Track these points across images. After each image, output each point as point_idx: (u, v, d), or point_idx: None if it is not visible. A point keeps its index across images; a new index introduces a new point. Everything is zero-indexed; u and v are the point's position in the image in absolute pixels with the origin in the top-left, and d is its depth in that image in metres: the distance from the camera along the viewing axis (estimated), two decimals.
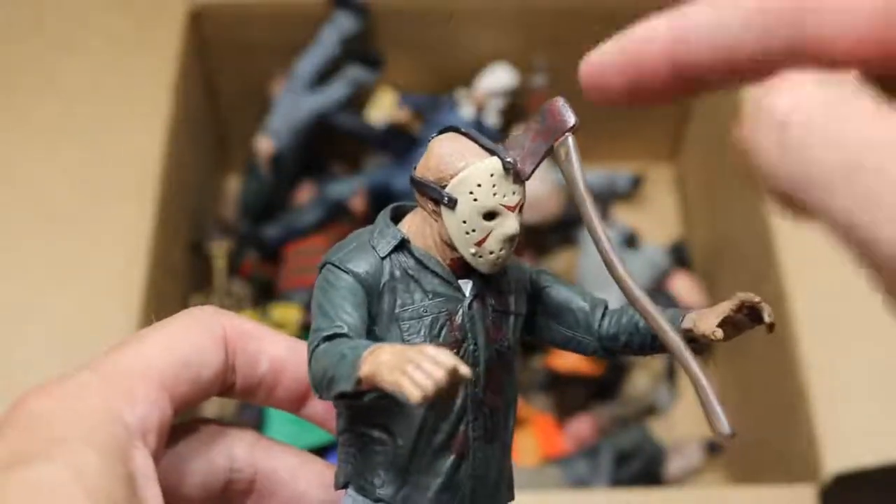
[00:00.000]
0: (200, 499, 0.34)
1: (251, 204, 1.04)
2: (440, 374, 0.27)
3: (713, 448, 0.95)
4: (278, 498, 0.35)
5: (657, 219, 1.09)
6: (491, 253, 0.33)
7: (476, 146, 0.33)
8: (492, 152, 0.33)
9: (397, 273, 0.33)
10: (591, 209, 0.31)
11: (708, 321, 0.32)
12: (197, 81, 1.00)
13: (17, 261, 0.82)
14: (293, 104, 1.01)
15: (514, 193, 0.33)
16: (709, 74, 0.29)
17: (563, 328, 0.35)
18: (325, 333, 0.31)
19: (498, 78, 1.02)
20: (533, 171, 0.33)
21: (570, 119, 0.32)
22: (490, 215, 0.32)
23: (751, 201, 0.85)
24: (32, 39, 0.96)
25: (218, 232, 1.02)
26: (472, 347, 0.33)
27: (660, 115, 1.09)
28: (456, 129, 0.33)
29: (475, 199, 0.32)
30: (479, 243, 0.33)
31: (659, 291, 0.99)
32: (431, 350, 0.28)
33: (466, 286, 0.33)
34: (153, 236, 0.83)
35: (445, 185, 0.32)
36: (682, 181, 1.11)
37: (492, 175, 0.32)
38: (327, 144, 1.06)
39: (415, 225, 0.34)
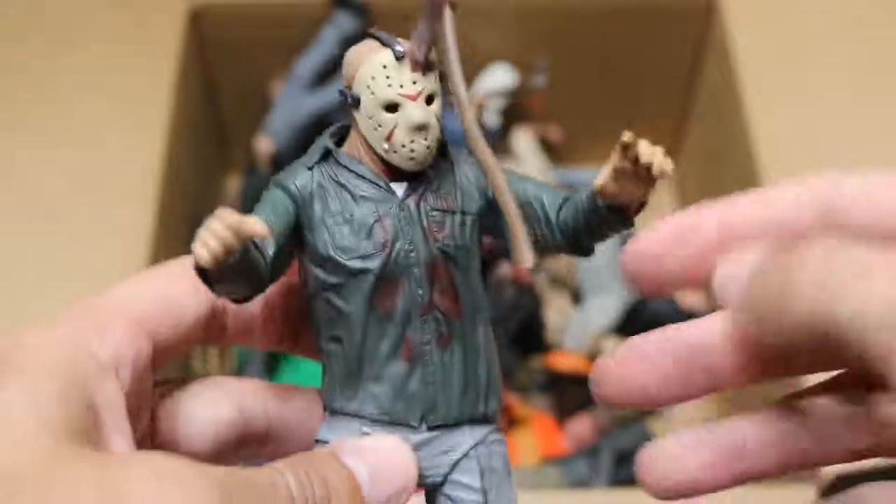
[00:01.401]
0: (214, 451, 0.34)
1: (251, 204, 1.04)
2: (219, 227, 0.28)
3: None
4: (293, 441, 0.35)
5: (657, 218, 1.09)
6: (403, 146, 0.32)
7: (375, 43, 0.33)
8: (386, 45, 0.32)
9: (325, 182, 0.33)
10: (459, 79, 0.30)
11: (600, 176, 0.32)
12: (197, 81, 1.00)
13: (17, 260, 0.82)
14: (293, 104, 1.01)
15: (413, 82, 0.32)
16: None
17: (526, 225, 0.34)
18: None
19: (498, 78, 1.02)
20: (426, 55, 0.32)
21: None
22: (391, 107, 0.32)
23: None
24: (32, 39, 0.96)
25: None
26: (406, 247, 0.32)
27: (660, 115, 1.09)
28: (367, 34, 0.33)
29: (372, 93, 0.32)
30: (387, 138, 0.32)
31: None
32: (220, 210, 0.28)
33: (400, 188, 0.33)
34: (153, 236, 0.83)
35: (350, 87, 0.33)
36: (681, 181, 1.11)
37: (384, 66, 0.32)
38: None
39: (350, 137, 0.34)
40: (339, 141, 0.34)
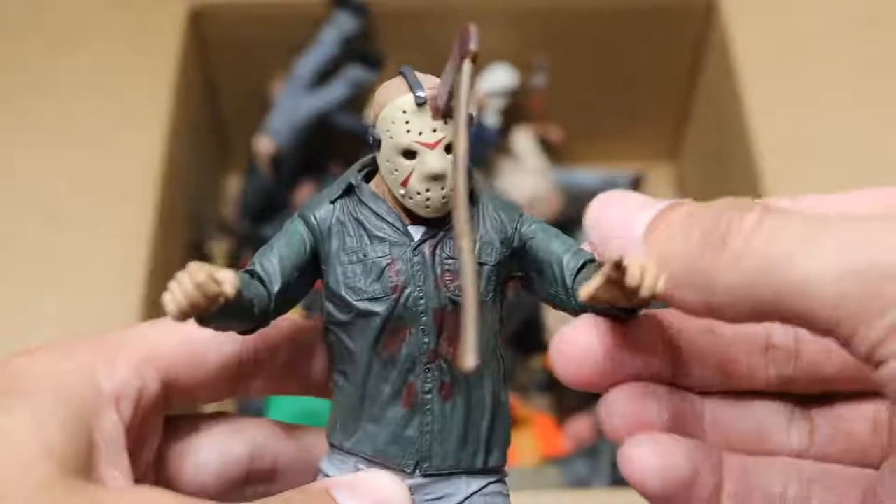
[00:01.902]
0: (220, 487, 0.34)
1: (251, 204, 1.04)
2: (187, 283, 0.27)
3: None
4: (301, 480, 0.35)
5: None
6: (418, 194, 0.32)
7: (403, 84, 0.32)
8: (411, 89, 0.31)
9: (344, 217, 0.32)
10: (463, 135, 0.29)
11: (589, 284, 0.30)
12: (197, 81, 1.00)
13: (17, 260, 0.82)
14: (293, 104, 1.01)
15: (433, 130, 0.31)
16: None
17: (545, 285, 0.33)
18: (245, 268, 0.32)
19: (498, 78, 1.02)
20: (448, 103, 0.31)
21: (469, 44, 0.29)
22: (408, 153, 0.32)
23: None
24: (32, 39, 0.96)
25: (218, 232, 1.02)
26: (416, 294, 0.32)
27: (660, 115, 1.09)
28: (401, 72, 0.33)
29: (391, 137, 0.32)
30: (403, 183, 0.32)
31: None
32: (192, 265, 0.28)
33: (418, 231, 0.32)
34: (153, 236, 0.83)
35: (375, 125, 0.32)
36: (682, 181, 1.11)
37: (404, 112, 0.31)
38: (327, 144, 1.06)
39: (378, 173, 0.33)
40: (370, 174, 0.34)
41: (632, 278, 0.28)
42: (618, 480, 0.92)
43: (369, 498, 0.31)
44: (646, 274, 0.28)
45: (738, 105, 0.89)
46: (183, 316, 0.28)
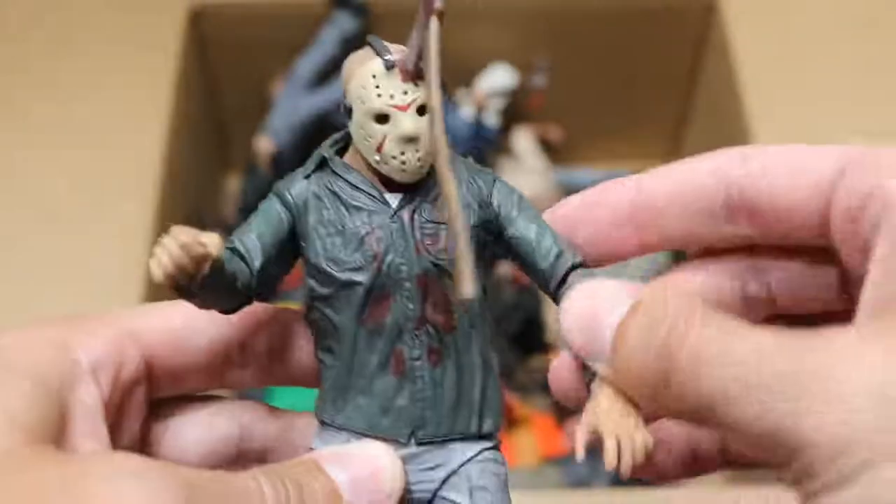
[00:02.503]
0: (208, 466, 0.34)
1: (251, 204, 1.04)
2: (172, 245, 0.28)
3: None
4: (292, 458, 0.35)
5: None
6: (393, 158, 0.31)
7: (370, 51, 0.32)
8: (378, 54, 0.31)
9: (320, 191, 0.32)
10: (435, 89, 0.29)
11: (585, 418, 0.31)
12: (197, 81, 1.00)
13: (17, 260, 0.82)
14: (293, 104, 1.01)
15: (404, 93, 0.31)
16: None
17: (527, 269, 0.34)
18: (225, 245, 0.31)
19: (498, 78, 1.02)
20: (417, 64, 0.31)
21: (435, 2, 0.29)
22: (381, 118, 0.31)
23: None
24: (32, 39, 0.96)
25: (218, 232, 1.02)
26: (397, 261, 0.31)
27: (660, 115, 1.09)
28: (366, 42, 0.32)
29: (362, 103, 0.31)
30: (378, 149, 0.31)
31: None
32: (175, 228, 0.28)
33: (395, 199, 0.32)
34: (153, 236, 0.83)
35: (345, 97, 0.32)
36: None
37: (374, 76, 0.31)
38: None
39: (351, 146, 0.33)
40: (343, 149, 0.34)
41: (608, 459, 0.29)
42: (618, 480, 0.92)
43: (360, 469, 0.30)
44: (623, 453, 0.30)
45: (738, 105, 0.89)
46: (169, 279, 0.28)
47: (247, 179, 1.05)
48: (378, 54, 0.31)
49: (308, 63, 1.01)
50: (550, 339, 0.98)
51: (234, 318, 0.33)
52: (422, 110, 0.31)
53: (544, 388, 0.98)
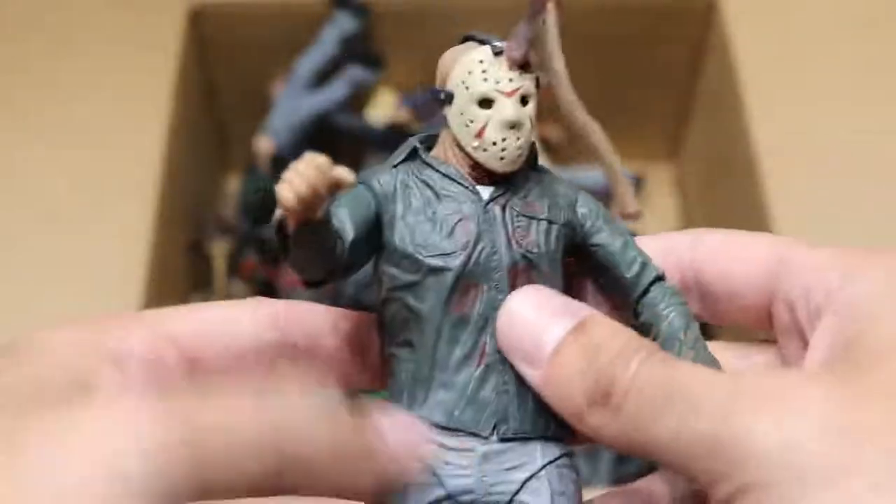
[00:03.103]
0: None
1: (251, 204, 1.03)
2: (307, 168, 0.28)
3: None
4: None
5: (657, 219, 1.09)
6: (494, 144, 0.31)
7: (473, 42, 0.32)
8: (484, 42, 0.32)
9: (409, 180, 0.32)
10: (565, 78, 0.30)
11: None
12: (197, 81, 1.00)
13: (17, 260, 0.82)
14: (293, 104, 1.01)
15: (510, 80, 0.32)
16: None
17: (608, 278, 0.34)
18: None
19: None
20: (526, 53, 0.32)
21: None
22: (485, 102, 0.32)
23: (751, 202, 0.85)
24: (32, 39, 0.96)
25: (218, 232, 1.02)
26: (488, 250, 0.31)
27: (660, 115, 1.09)
28: (465, 38, 0.33)
29: (467, 88, 0.32)
30: (478, 134, 0.32)
31: None
32: (308, 154, 0.28)
33: (486, 191, 0.32)
34: (153, 236, 0.83)
35: (445, 85, 0.32)
36: (682, 181, 1.11)
37: (481, 61, 0.32)
38: (327, 144, 1.06)
39: (438, 142, 0.33)
40: (427, 148, 0.34)
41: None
42: (618, 480, 0.92)
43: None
44: None
45: (738, 105, 0.89)
46: (300, 203, 0.28)
47: (247, 179, 1.04)
48: (485, 42, 0.32)
49: (308, 63, 1.01)
50: None
51: (278, 318, 0.33)
52: (525, 100, 0.32)
53: None
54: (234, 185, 1.10)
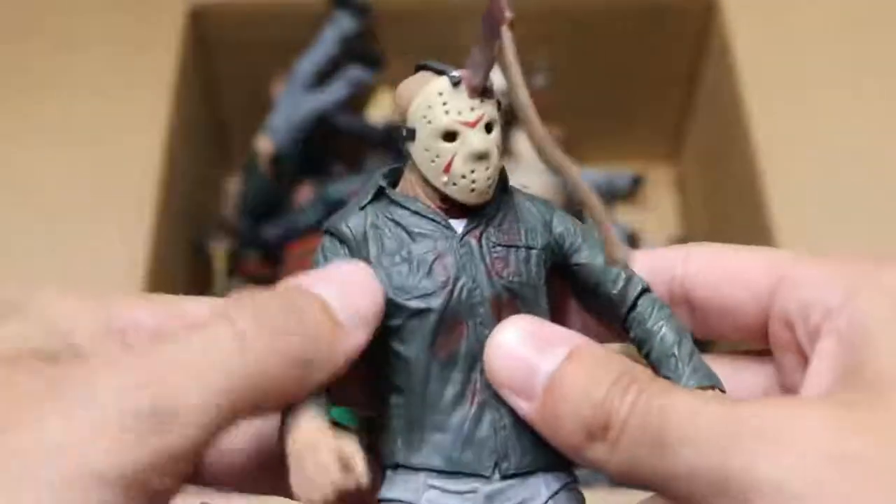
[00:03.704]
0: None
1: (251, 204, 1.04)
2: (328, 463, 0.27)
3: None
4: None
5: (657, 219, 1.09)
6: (463, 177, 0.31)
7: (428, 73, 0.31)
8: (441, 73, 0.31)
9: (379, 221, 0.31)
10: (525, 96, 0.29)
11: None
12: (197, 81, 1.00)
13: (17, 260, 0.82)
14: (293, 104, 1.01)
15: (471, 109, 0.31)
16: None
17: (592, 296, 0.33)
18: None
19: (498, 78, 1.02)
20: (485, 79, 0.31)
21: (504, 14, 0.29)
22: (449, 136, 0.31)
23: (750, 201, 0.85)
24: (32, 39, 0.96)
25: (218, 232, 1.02)
26: (469, 285, 0.30)
27: (660, 115, 1.09)
28: (418, 67, 0.32)
29: (429, 122, 0.31)
30: (446, 169, 0.31)
31: None
32: (321, 443, 0.27)
33: (459, 224, 0.31)
34: (153, 236, 0.83)
35: (405, 121, 0.31)
36: (682, 181, 1.11)
37: (440, 94, 0.31)
38: (327, 144, 1.06)
39: (404, 178, 0.33)
40: (394, 182, 0.33)
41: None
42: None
43: (339, 279, 0.30)
44: None
45: (738, 105, 0.89)
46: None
47: (247, 179, 1.04)
48: (441, 73, 0.31)
49: (308, 63, 1.01)
50: None
51: None
52: (489, 127, 0.31)
53: None
54: (234, 185, 1.10)
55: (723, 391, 0.31)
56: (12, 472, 0.23)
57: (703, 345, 0.37)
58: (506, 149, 1.07)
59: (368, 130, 1.04)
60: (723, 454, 0.26)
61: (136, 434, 0.23)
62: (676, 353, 0.32)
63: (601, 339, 0.34)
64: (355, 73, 1.02)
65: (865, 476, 0.25)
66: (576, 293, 0.34)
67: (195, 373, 0.25)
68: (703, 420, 0.26)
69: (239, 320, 0.26)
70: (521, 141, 1.07)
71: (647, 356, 0.32)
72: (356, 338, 0.29)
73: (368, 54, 1.02)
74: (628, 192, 1.10)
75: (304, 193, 1.04)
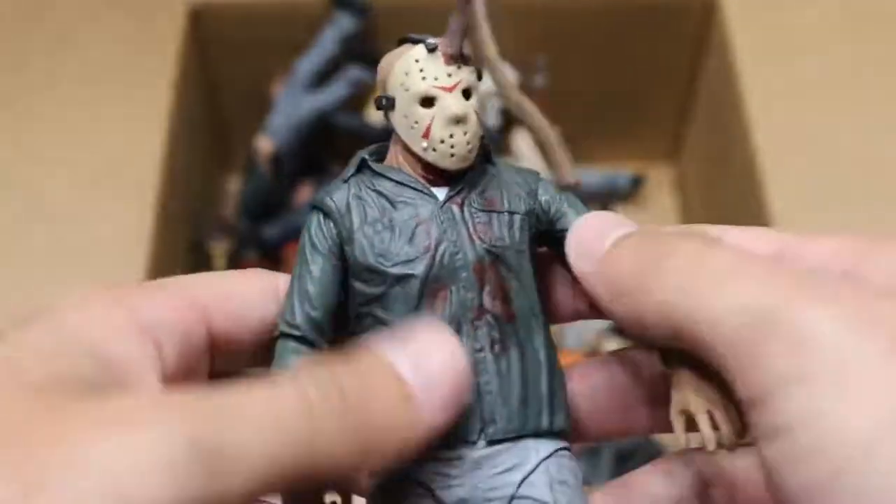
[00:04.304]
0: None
1: (251, 204, 1.04)
2: None
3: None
4: None
5: (657, 219, 1.09)
6: (442, 142, 0.31)
7: (405, 45, 0.32)
8: (417, 42, 0.32)
9: (362, 192, 0.32)
10: (497, 62, 0.29)
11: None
12: (197, 81, 1.00)
13: (17, 260, 0.82)
14: (293, 104, 1.01)
15: (448, 75, 0.31)
16: None
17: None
18: (282, 328, 0.31)
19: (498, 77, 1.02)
20: (460, 45, 0.31)
21: None
22: (427, 101, 0.31)
23: (750, 202, 0.85)
24: (32, 38, 0.96)
25: (218, 232, 1.02)
26: (451, 249, 0.31)
27: (660, 115, 1.09)
28: (400, 40, 0.33)
29: (406, 89, 0.31)
30: (425, 134, 0.31)
31: None
32: None
33: (441, 192, 0.32)
34: (153, 236, 0.83)
35: (386, 91, 0.32)
36: (682, 181, 1.11)
37: (417, 61, 0.31)
38: (327, 144, 1.06)
39: (389, 152, 0.33)
40: (380, 159, 0.33)
41: (705, 433, 0.30)
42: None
43: (425, 350, 0.27)
44: (720, 424, 0.30)
45: (738, 105, 0.89)
46: None
47: (247, 179, 1.04)
48: (417, 42, 0.32)
49: (308, 63, 1.01)
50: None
51: (279, 291, 0.32)
52: (467, 93, 0.31)
53: None
54: (234, 185, 1.10)
55: None
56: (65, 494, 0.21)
57: None
58: (505, 147, 1.07)
59: (368, 130, 1.04)
60: (780, 300, 0.25)
61: (187, 472, 0.22)
62: None
63: (593, 314, 0.34)
64: (355, 73, 1.02)
65: None
66: (564, 262, 0.34)
67: (257, 425, 0.23)
68: (756, 268, 0.27)
69: (310, 389, 0.24)
70: (520, 141, 1.07)
71: None
72: (432, 423, 0.27)
73: (368, 54, 1.02)
74: (628, 192, 1.10)
75: (304, 193, 1.04)
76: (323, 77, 1.02)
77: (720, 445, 0.30)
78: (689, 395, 0.30)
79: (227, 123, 1.09)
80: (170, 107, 0.90)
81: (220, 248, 1.00)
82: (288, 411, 0.24)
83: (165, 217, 0.86)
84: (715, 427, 0.30)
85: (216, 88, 1.06)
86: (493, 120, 1.03)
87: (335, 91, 1.02)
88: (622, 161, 1.11)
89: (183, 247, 0.94)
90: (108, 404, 0.23)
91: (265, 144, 1.01)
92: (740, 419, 0.30)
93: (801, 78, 0.91)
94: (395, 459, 0.26)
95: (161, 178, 0.86)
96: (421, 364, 0.27)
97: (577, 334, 0.97)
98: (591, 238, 0.31)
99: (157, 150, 0.88)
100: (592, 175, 1.08)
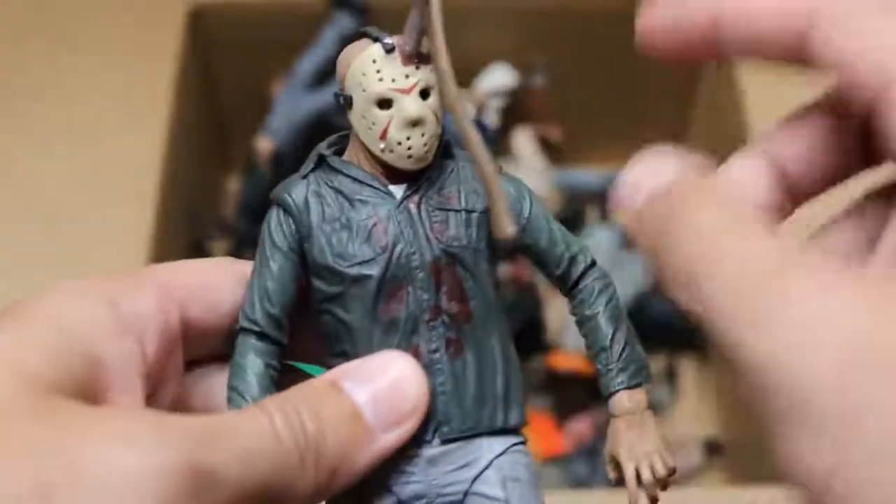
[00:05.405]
0: None
1: (251, 204, 1.04)
2: None
3: (713, 449, 0.95)
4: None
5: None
6: (399, 144, 0.31)
7: (366, 40, 0.31)
8: (376, 40, 0.31)
9: (320, 189, 0.32)
10: (446, 64, 0.29)
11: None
12: (197, 81, 1.00)
13: (17, 261, 0.82)
14: (293, 104, 1.01)
15: (406, 76, 0.31)
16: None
17: (539, 267, 0.34)
18: (243, 323, 0.31)
19: (498, 78, 1.02)
20: (418, 45, 0.31)
21: None
22: (384, 103, 0.31)
23: None
24: (32, 39, 0.96)
25: (218, 232, 1.02)
26: (408, 250, 0.31)
27: (660, 115, 1.09)
28: (360, 33, 0.32)
29: (364, 90, 0.31)
30: (382, 136, 0.31)
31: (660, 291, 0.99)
32: None
33: (399, 189, 0.32)
34: (153, 236, 0.83)
35: (343, 88, 0.32)
36: None
37: (374, 61, 0.31)
38: None
39: (350, 145, 0.33)
40: (340, 151, 0.33)
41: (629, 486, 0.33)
42: (618, 480, 0.92)
43: (379, 381, 0.29)
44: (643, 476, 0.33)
45: (738, 106, 0.89)
46: None
47: (247, 179, 1.04)
48: (376, 40, 0.31)
49: (308, 63, 1.01)
50: (550, 339, 0.98)
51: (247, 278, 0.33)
52: (425, 93, 0.31)
53: (544, 388, 0.98)
54: (234, 185, 1.10)
55: (649, 386, 0.33)
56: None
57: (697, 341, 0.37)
58: (505, 148, 1.07)
59: None
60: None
61: (175, 491, 0.24)
62: (607, 346, 0.33)
63: None
64: None
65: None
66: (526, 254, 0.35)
67: (238, 452, 0.26)
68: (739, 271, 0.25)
69: (276, 418, 0.27)
70: (520, 141, 1.07)
71: (585, 338, 0.33)
72: (384, 443, 0.29)
73: None
74: None
75: None
76: (323, 77, 1.02)
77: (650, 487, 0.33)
78: (617, 449, 0.34)
79: (226, 123, 1.09)
80: (170, 107, 0.90)
81: (220, 247, 1.00)
82: (264, 439, 0.26)
83: (165, 217, 0.86)
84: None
85: (216, 88, 1.06)
86: (492, 120, 1.03)
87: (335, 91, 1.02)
88: (622, 161, 1.10)
89: (183, 247, 0.94)
90: (111, 421, 0.25)
91: (265, 144, 1.01)
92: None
93: (801, 79, 0.91)
94: (358, 476, 0.28)
95: (161, 178, 0.86)
96: (375, 389, 0.29)
97: (576, 334, 0.97)
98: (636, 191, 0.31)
99: (157, 150, 0.88)
100: (592, 175, 1.08)
